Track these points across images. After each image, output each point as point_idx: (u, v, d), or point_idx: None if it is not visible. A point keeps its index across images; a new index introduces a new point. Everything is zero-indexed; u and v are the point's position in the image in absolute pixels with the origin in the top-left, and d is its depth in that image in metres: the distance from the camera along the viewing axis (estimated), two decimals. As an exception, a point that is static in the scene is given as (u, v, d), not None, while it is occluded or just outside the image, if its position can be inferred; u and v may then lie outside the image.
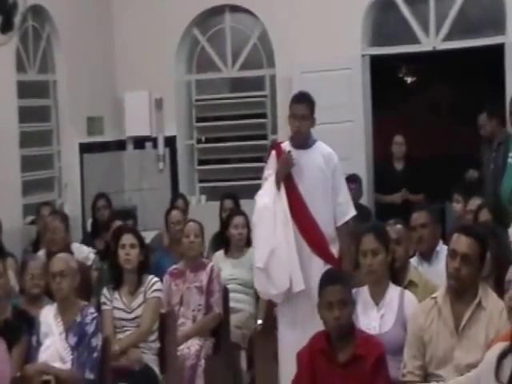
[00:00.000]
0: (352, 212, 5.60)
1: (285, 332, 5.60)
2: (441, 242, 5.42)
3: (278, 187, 5.49)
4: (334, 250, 5.51)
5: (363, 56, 8.67)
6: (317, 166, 5.52)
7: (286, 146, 5.60)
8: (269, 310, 6.53)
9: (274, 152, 5.62)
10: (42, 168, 8.50)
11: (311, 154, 5.56)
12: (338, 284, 4.01)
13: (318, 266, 5.39)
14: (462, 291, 3.97)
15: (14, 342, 4.76)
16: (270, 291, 5.53)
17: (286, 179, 5.51)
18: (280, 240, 5.41)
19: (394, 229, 4.89)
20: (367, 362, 3.86)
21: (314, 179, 5.51)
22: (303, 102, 5.55)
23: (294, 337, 5.37)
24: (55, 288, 4.87)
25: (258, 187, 9.28)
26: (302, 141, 5.56)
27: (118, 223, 6.44)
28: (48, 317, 4.89)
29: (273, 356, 6.56)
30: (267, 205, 5.48)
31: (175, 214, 6.95)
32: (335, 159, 5.61)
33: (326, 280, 4.17)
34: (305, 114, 5.50)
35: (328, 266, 5.28)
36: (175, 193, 8.83)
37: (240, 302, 6.44)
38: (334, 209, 5.53)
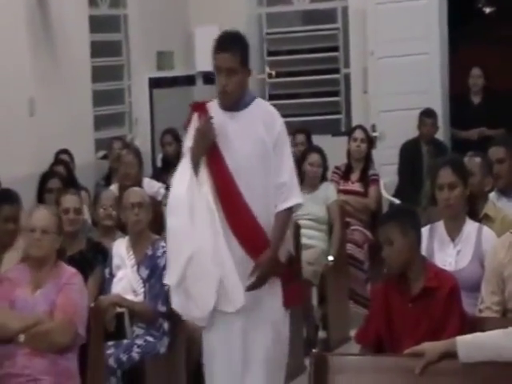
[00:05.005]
0: (297, 198, 4.10)
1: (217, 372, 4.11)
2: (521, 177, 5.26)
3: (196, 168, 4.03)
4: (280, 249, 4.07)
5: (440, -15, 8.39)
6: (254, 134, 4.05)
7: (213, 106, 4.13)
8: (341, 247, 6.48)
9: (196, 115, 4.13)
10: (112, 103, 8.53)
11: (246, 117, 4.08)
12: (384, 224, 3.87)
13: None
14: (543, 226, 3.84)
15: (89, 273, 4.84)
16: (192, 312, 4.09)
17: (210, 155, 4.04)
18: (202, 242, 3.97)
19: (468, 161, 4.73)
20: (439, 296, 3.76)
21: (249, 153, 4.02)
22: (229, 49, 4.03)
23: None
24: (133, 219, 4.86)
25: (329, 123, 9.34)
26: (233, 101, 4.09)
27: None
28: (120, 249, 4.92)
29: (345, 292, 6.54)
30: (180, 194, 4.02)
31: None
32: (280, 123, 4.10)
33: (384, 216, 4.10)
34: (231, 66, 4.01)
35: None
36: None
37: (312, 238, 6.38)
38: (275, 191, 4.05)
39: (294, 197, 4.09)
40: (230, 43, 4.07)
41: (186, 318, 4.29)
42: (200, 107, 4.15)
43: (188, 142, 4.10)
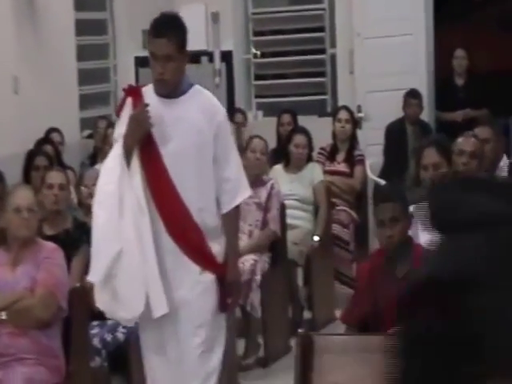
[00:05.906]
0: (245, 192, 3.95)
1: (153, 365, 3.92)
2: (504, 157, 5.28)
3: (128, 158, 3.77)
4: (217, 247, 3.87)
5: (426, -35, 8.36)
6: (191, 122, 3.82)
7: (148, 91, 3.88)
8: (327, 227, 6.50)
9: (130, 100, 3.87)
10: (98, 82, 8.48)
11: (183, 105, 3.85)
12: (389, 201, 3.89)
13: (192, 275, 3.81)
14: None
15: (73, 253, 4.81)
16: (118, 313, 3.84)
17: (144, 146, 3.79)
18: (130, 240, 3.71)
19: (470, 142, 4.72)
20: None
21: (185, 141, 3.80)
22: (164, 34, 3.79)
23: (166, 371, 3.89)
24: None
25: (315, 103, 9.33)
26: (170, 89, 3.86)
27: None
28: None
29: (330, 272, 6.56)
30: (108, 186, 3.78)
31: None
32: (221, 113, 3.91)
33: (378, 197, 4.09)
34: (168, 52, 3.78)
35: (207, 274, 3.83)
36: (231, 108, 8.75)
37: (297, 218, 6.39)
38: (218, 188, 3.86)
39: (241, 192, 3.92)
40: (166, 28, 3.83)
41: (112, 318, 4.07)
42: (134, 92, 3.90)
43: (120, 128, 3.83)
